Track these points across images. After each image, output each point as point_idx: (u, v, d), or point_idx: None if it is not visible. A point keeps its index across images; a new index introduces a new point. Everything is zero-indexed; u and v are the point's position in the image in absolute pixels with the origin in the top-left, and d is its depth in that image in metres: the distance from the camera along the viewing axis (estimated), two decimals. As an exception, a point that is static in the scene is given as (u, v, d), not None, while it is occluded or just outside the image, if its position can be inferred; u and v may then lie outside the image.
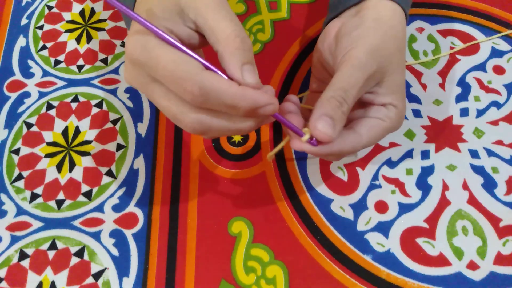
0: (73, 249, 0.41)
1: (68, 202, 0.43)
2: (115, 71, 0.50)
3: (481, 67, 0.47)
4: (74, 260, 0.40)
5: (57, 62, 0.51)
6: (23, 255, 0.41)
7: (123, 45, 0.51)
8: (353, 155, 0.43)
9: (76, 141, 0.46)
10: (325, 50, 0.37)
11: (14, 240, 0.42)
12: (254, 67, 0.30)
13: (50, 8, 0.55)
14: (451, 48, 0.48)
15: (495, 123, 0.44)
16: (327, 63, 0.37)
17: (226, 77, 0.29)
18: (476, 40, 0.48)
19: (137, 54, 0.29)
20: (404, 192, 0.42)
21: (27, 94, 0.49)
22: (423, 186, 0.42)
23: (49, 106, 0.48)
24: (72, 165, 0.45)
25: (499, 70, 0.47)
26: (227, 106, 0.29)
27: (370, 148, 0.43)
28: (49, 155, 0.45)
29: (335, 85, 0.32)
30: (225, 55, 0.29)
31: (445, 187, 0.42)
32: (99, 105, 0.48)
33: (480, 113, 0.45)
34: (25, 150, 0.46)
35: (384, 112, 0.35)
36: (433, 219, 0.40)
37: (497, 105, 0.45)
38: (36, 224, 0.42)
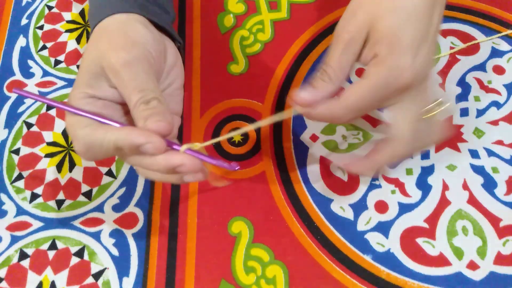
0: (73, 249, 0.41)
1: (68, 202, 0.43)
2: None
3: (481, 67, 0.47)
4: (74, 260, 0.40)
5: (57, 62, 0.51)
6: (23, 255, 0.41)
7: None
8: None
9: (76, 141, 0.46)
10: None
11: (14, 240, 0.42)
12: (160, 117, 0.31)
13: (50, 8, 0.55)
14: (451, 48, 0.48)
15: (495, 123, 0.44)
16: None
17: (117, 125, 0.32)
18: (476, 40, 0.48)
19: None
20: (404, 192, 0.42)
21: (27, 94, 0.49)
22: (423, 186, 0.42)
23: (49, 106, 0.48)
24: (72, 165, 0.45)
25: (499, 70, 0.47)
26: (114, 150, 0.31)
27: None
28: (49, 155, 0.45)
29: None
30: (134, 116, 0.32)
31: (445, 187, 0.42)
32: (99, 105, 0.48)
33: (480, 113, 0.45)
34: (25, 150, 0.46)
35: (366, 71, 0.32)
36: (433, 219, 0.40)
37: (497, 105, 0.45)
38: (36, 224, 0.42)
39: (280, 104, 0.46)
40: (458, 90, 0.46)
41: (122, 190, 0.43)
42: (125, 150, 0.31)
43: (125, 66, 0.31)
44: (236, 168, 0.33)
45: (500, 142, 0.43)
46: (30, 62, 0.51)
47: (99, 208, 0.43)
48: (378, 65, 0.31)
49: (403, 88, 0.31)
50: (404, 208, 0.41)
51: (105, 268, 0.40)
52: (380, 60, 0.31)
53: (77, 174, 0.44)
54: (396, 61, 0.30)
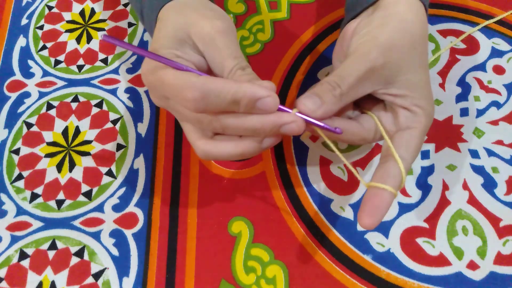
0: (73, 249, 0.41)
1: (68, 202, 0.43)
2: (115, 71, 0.50)
3: (481, 67, 0.47)
4: (74, 260, 0.40)
5: (57, 62, 0.51)
6: (23, 255, 0.41)
7: (123, 45, 0.51)
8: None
9: (76, 141, 0.46)
10: (344, 51, 0.36)
11: (14, 240, 0.42)
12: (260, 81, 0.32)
13: (50, 8, 0.55)
14: (451, 48, 0.48)
15: (495, 123, 0.44)
16: None
17: None
18: (468, 32, 0.48)
19: (147, 78, 0.33)
20: (404, 192, 0.42)
21: (27, 94, 0.49)
22: (423, 186, 0.42)
23: (49, 106, 0.48)
24: (72, 165, 0.45)
25: (499, 70, 0.47)
26: (229, 103, 0.30)
27: (370, 148, 0.43)
28: (49, 155, 0.45)
29: (334, 72, 0.33)
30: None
31: (445, 187, 0.42)
32: (99, 105, 0.48)
33: (480, 113, 0.45)
34: (25, 150, 0.46)
35: (411, 118, 0.33)
36: (433, 219, 0.40)
37: (497, 105, 0.45)
38: (36, 224, 0.42)
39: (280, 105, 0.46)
40: (458, 90, 0.46)
41: (122, 190, 0.43)
42: (241, 103, 0.30)
43: (220, 34, 0.32)
44: (339, 131, 0.32)
45: (500, 142, 0.43)
46: (30, 62, 0.51)
47: (99, 208, 0.43)
48: (420, 114, 0.33)
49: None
50: (404, 208, 0.41)
51: (105, 268, 0.40)
52: (420, 111, 0.33)
53: (77, 174, 0.44)
54: (431, 110, 0.34)
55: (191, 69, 0.31)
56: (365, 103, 0.36)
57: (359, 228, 0.40)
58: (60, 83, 0.49)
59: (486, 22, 0.49)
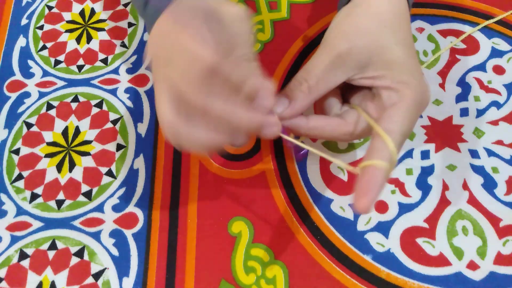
0: (73, 249, 0.41)
1: (68, 202, 0.43)
2: (115, 71, 0.50)
3: (481, 67, 0.47)
4: (74, 260, 0.40)
5: (57, 62, 0.51)
6: (23, 255, 0.41)
7: (123, 45, 0.51)
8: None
9: (76, 141, 0.46)
10: None
11: (14, 240, 0.42)
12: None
13: (50, 8, 0.55)
14: (451, 48, 0.48)
15: (495, 123, 0.44)
16: None
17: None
18: (468, 32, 0.48)
19: (162, 38, 0.30)
20: (404, 192, 0.42)
21: (27, 94, 0.49)
22: (423, 186, 0.42)
23: (49, 106, 0.48)
24: (72, 165, 0.45)
25: (499, 70, 0.47)
26: (233, 83, 0.29)
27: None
28: (49, 155, 0.45)
29: (303, 67, 0.33)
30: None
31: (445, 187, 0.42)
32: (99, 105, 0.48)
33: (480, 113, 0.45)
34: (25, 150, 0.46)
35: (395, 96, 0.32)
36: (433, 219, 0.40)
37: (497, 105, 0.45)
38: (36, 224, 0.42)
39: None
40: (458, 90, 0.46)
41: (122, 190, 0.43)
42: (247, 88, 0.29)
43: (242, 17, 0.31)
44: (303, 153, 0.33)
45: (500, 142, 0.43)
46: (30, 62, 0.51)
47: (99, 208, 0.43)
48: (407, 89, 0.31)
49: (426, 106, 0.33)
50: (404, 208, 0.41)
51: (105, 268, 0.40)
52: (404, 86, 0.32)
53: (77, 174, 0.44)
54: (417, 83, 0.32)
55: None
56: (353, 96, 0.35)
57: (359, 228, 0.40)
58: (60, 83, 0.49)
59: (487, 22, 0.49)
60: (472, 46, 0.48)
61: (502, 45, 0.48)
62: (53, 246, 0.41)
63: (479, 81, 0.46)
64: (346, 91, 0.36)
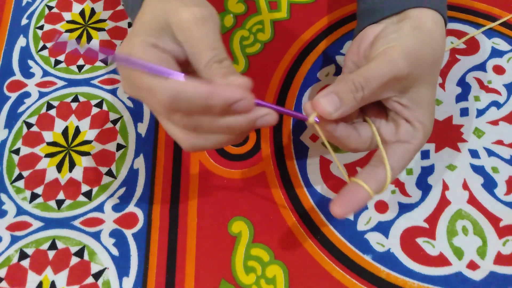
0: (73, 249, 0.41)
1: (68, 202, 0.43)
2: (115, 71, 0.50)
3: (481, 67, 0.47)
4: (74, 260, 0.40)
5: (57, 62, 0.51)
6: (23, 255, 0.41)
7: (123, 45, 0.51)
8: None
9: (76, 141, 0.46)
10: (360, 53, 0.36)
11: (14, 240, 0.42)
12: (237, 76, 0.30)
13: (50, 8, 0.55)
14: (451, 48, 0.48)
15: (495, 123, 0.44)
16: (361, 65, 0.36)
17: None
18: (471, 34, 0.48)
19: (120, 67, 0.32)
20: (404, 192, 0.42)
21: (27, 94, 0.49)
22: (423, 186, 0.42)
23: (49, 106, 0.48)
24: (72, 165, 0.45)
25: (499, 70, 0.47)
26: (201, 108, 0.29)
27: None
28: (49, 155, 0.45)
29: (359, 72, 0.32)
30: (206, 75, 0.31)
31: (445, 187, 0.42)
32: (99, 105, 0.48)
33: (480, 113, 0.45)
34: (25, 150, 0.46)
35: (411, 133, 0.33)
36: (433, 219, 0.40)
37: (497, 105, 0.45)
38: (36, 224, 0.42)
39: (280, 105, 0.46)
40: (458, 90, 0.46)
41: (122, 190, 0.43)
42: (215, 109, 0.29)
43: (199, 22, 0.31)
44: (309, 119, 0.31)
45: (500, 142, 0.43)
46: (30, 62, 0.51)
47: (99, 208, 0.43)
48: (419, 131, 0.33)
49: None
50: (404, 208, 0.41)
51: (105, 268, 0.40)
52: (421, 128, 0.33)
53: (77, 174, 0.44)
54: (430, 128, 0.34)
55: (164, 70, 0.30)
56: (369, 110, 0.36)
57: (359, 228, 0.40)
58: (60, 83, 0.49)
59: (492, 24, 0.49)
60: (472, 46, 0.48)
61: (502, 45, 0.48)
62: (53, 246, 0.41)
63: (479, 81, 0.46)
64: None
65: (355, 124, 0.35)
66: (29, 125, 0.47)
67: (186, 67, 0.33)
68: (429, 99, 0.34)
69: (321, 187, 0.42)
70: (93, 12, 0.54)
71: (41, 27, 0.53)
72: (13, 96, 0.49)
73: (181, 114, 0.30)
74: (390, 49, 0.32)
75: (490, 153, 0.43)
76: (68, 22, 0.53)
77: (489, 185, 0.41)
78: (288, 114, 0.32)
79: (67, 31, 0.53)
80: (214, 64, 0.30)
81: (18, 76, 0.50)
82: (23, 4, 0.55)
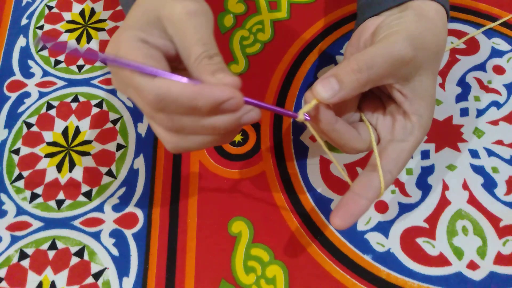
0: (73, 249, 0.41)
1: (68, 202, 0.43)
2: (115, 71, 0.50)
3: (481, 67, 0.47)
4: (74, 260, 0.40)
5: (57, 62, 0.51)
6: (23, 255, 0.41)
7: (123, 45, 0.51)
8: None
9: (76, 141, 0.46)
10: (360, 45, 0.35)
11: (14, 240, 0.42)
12: (227, 72, 0.30)
13: (50, 8, 0.55)
14: (451, 48, 0.48)
15: (495, 123, 0.44)
16: None
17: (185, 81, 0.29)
18: (471, 34, 0.48)
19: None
20: (404, 192, 0.42)
21: (27, 94, 0.49)
22: (423, 186, 0.42)
23: (49, 106, 0.48)
24: (72, 165, 0.45)
25: (499, 70, 0.47)
26: (188, 108, 0.28)
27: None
28: (49, 155, 0.45)
29: (364, 51, 0.31)
30: (195, 70, 0.30)
31: (445, 187, 0.42)
32: (99, 105, 0.48)
33: (480, 113, 0.45)
34: (25, 150, 0.46)
35: (408, 130, 0.33)
36: (433, 219, 0.40)
37: (497, 105, 0.45)
38: (36, 224, 0.42)
39: (280, 105, 0.46)
40: (458, 90, 0.46)
41: (122, 190, 0.43)
42: (202, 110, 0.28)
43: (191, 15, 0.30)
44: (298, 118, 0.31)
45: (500, 142, 0.43)
46: (30, 62, 0.51)
47: (99, 208, 0.43)
48: (416, 126, 0.33)
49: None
50: (404, 208, 0.41)
51: (105, 268, 0.40)
52: (421, 122, 0.33)
53: (77, 174, 0.44)
54: (428, 123, 0.34)
55: (151, 70, 0.29)
56: (367, 104, 0.35)
57: (359, 228, 0.40)
58: (60, 83, 0.49)
59: (492, 24, 0.49)
60: (472, 46, 0.48)
61: (502, 45, 0.48)
62: (53, 246, 0.41)
63: (479, 81, 0.46)
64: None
65: (355, 124, 0.35)
66: (29, 125, 0.47)
67: (177, 64, 0.32)
68: (431, 91, 0.33)
69: (321, 187, 0.42)
70: (93, 12, 0.54)
71: (41, 27, 0.53)
72: (13, 96, 0.49)
73: (165, 114, 0.29)
74: (394, 33, 0.31)
75: (490, 153, 0.43)
76: (68, 22, 0.53)
77: (489, 185, 0.41)
78: (279, 112, 0.32)
79: (67, 31, 0.53)
80: (204, 59, 0.30)
81: (18, 76, 0.50)
82: (23, 4, 0.55)
